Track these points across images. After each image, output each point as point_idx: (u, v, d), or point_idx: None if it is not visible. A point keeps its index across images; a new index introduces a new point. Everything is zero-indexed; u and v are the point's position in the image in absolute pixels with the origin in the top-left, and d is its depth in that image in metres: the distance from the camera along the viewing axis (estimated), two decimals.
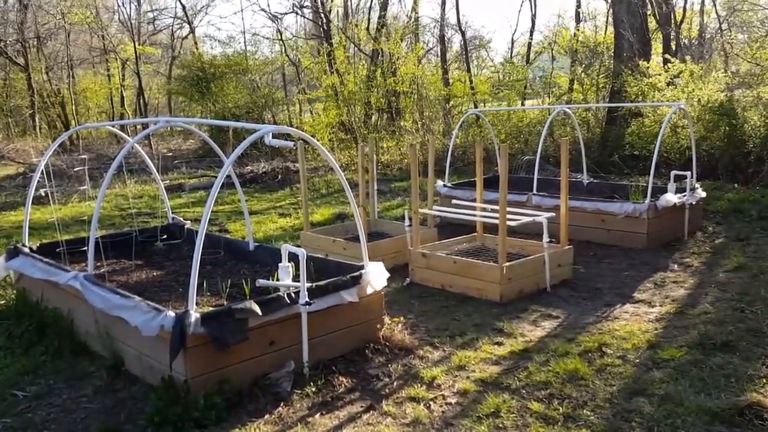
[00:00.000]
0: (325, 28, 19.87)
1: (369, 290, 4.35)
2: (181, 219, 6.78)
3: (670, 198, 7.09)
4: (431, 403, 3.64)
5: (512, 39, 27.65)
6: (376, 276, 4.39)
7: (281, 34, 22.43)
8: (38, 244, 5.80)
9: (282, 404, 3.62)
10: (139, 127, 19.21)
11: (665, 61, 12.95)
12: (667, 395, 3.55)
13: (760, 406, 3.29)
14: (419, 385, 3.85)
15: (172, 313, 3.56)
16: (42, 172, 5.77)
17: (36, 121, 22.62)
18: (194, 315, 3.49)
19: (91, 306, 4.21)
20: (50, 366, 4.27)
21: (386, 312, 4.66)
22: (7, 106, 23.59)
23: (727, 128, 10.52)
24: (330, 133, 15.53)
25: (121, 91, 25.77)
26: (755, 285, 5.48)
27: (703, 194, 7.78)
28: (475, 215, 6.49)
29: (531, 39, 21.34)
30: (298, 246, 5.03)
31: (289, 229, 8.58)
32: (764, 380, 3.66)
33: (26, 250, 5.47)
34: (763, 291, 5.28)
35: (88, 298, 4.21)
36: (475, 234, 6.74)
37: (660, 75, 12.08)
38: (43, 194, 5.43)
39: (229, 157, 4.04)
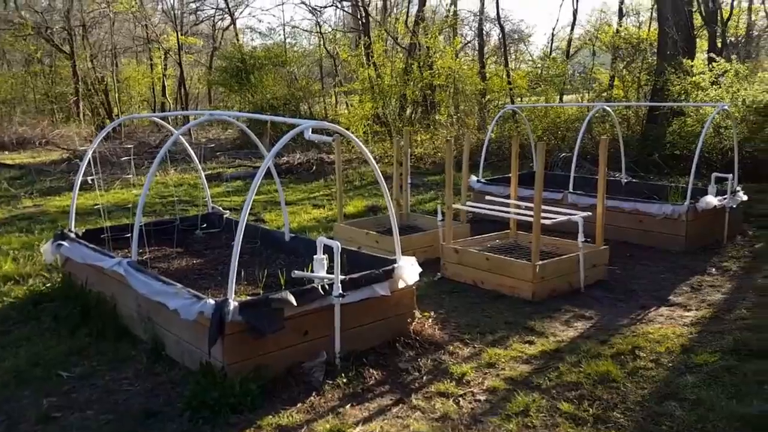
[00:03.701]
0: (364, 21, 19.93)
1: (401, 284, 4.39)
2: (221, 209, 6.93)
3: (710, 200, 6.95)
4: (460, 399, 3.68)
5: (552, 33, 27.30)
6: (408, 270, 4.43)
7: (320, 27, 22.60)
8: (84, 230, 6.00)
9: (314, 393, 3.71)
10: (179, 117, 19.60)
11: (710, 60, 12.62)
12: (699, 400, 3.53)
13: None
14: (449, 380, 3.90)
15: (211, 301, 3.67)
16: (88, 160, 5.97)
17: (80, 108, 23.23)
18: (233, 303, 3.60)
19: (134, 291, 4.37)
20: (94, 348, 4.43)
21: (417, 306, 4.70)
22: (52, 93, 24.27)
23: None
24: (365, 126, 15.61)
25: (163, 81, 26.27)
26: None
27: (745, 197, 7.59)
28: (509, 212, 6.48)
29: (572, 34, 21.06)
30: (331, 237, 5.11)
31: (323, 221, 8.69)
32: None
33: (72, 235, 5.68)
34: None
35: (132, 284, 4.37)
36: (509, 231, 6.73)
37: (704, 74, 11.78)
38: (90, 181, 5.62)
39: (267, 148, 4.13)
